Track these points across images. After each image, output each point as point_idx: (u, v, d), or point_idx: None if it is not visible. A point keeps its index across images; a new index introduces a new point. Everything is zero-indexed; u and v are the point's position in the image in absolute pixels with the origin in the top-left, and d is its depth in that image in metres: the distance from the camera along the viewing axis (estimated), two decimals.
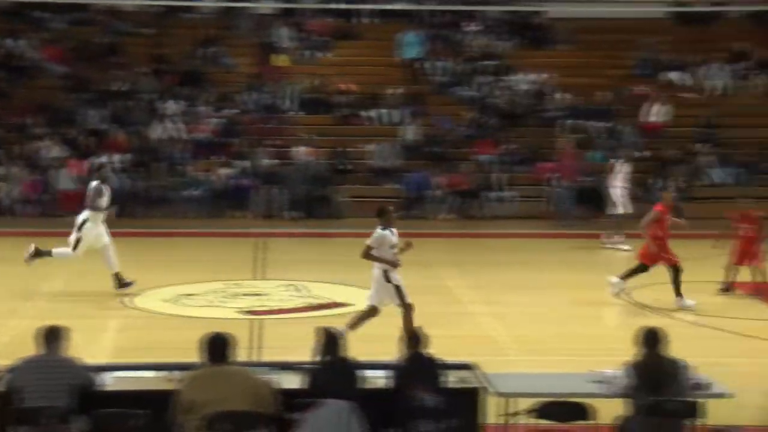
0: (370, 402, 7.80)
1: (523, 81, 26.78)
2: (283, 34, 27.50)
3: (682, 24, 29.18)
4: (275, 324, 13.55)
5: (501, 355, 12.01)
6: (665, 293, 14.54)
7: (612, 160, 21.06)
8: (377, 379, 8.30)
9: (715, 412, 8.18)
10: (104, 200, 15.01)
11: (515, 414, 8.27)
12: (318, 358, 8.12)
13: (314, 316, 13.65)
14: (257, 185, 23.48)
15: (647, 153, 24.62)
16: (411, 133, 25.10)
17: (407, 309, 11.61)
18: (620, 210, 19.97)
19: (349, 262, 15.93)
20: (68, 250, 14.98)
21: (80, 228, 14.91)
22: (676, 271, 14.30)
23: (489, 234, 22.18)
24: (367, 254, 11.61)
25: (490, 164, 24.37)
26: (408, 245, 11.75)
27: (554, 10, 28.10)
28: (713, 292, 15.38)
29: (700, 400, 8.00)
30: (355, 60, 27.53)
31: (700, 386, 8.23)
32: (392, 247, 11.65)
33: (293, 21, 27.88)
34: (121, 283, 15.05)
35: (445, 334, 12.33)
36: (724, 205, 23.25)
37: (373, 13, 28.38)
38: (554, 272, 17.37)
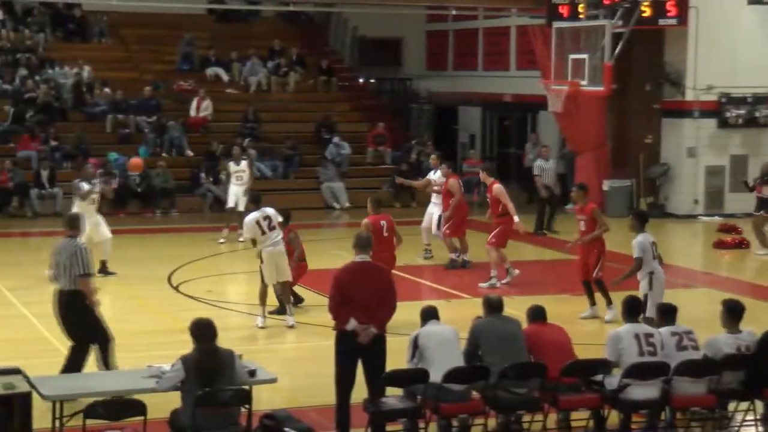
0: None
1: (64, 74, 26.11)
2: None
3: (221, 21, 29.96)
4: None
5: (56, 356, 11.66)
6: (217, 285, 14.83)
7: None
8: None
9: (260, 396, 8.51)
10: None
11: (65, 417, 8.11)
12: None
13: None
14: None
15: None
16: None
17: None
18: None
19: None
20: None
21: None
22: None
23: (33, 233, 21.46)
24: None
25: (33, 160, 23.52)
26: None
27: (92, 3, 27.62)
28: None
29: (248, 387, 8.30)
30: None
31: (253, 374, 8.53)
32: None
33: None
34: None
35: None
36: (268, 197, 24.32)
37: None
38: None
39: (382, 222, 13.39)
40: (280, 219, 13.17)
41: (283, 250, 13.01)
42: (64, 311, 10.03)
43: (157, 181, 23.68)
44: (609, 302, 13.34)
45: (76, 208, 15.40)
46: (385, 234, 13.26)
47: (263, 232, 12.89)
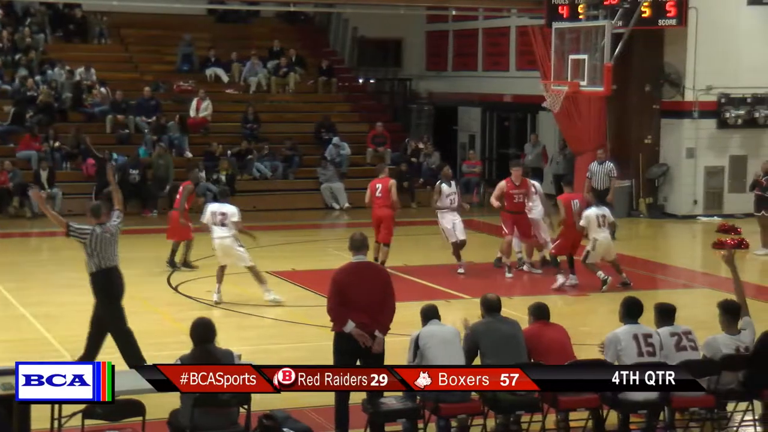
0: None
1: (64, 75, 26.11)
2: None
3: (221, 21, 29.97)
4: None
5: (55, 356, 11.67)
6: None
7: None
8: None
9: (259, 397, 8.50)
10: None
11: (64, 417, 8.10)
12: None
13: None
14: None
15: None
16: None
17: None
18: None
19: None
20: None
21: None
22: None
23: (33, 233, 21.45)
24: None
25: (32, 160, 23.52)
26: None
27: (92, 4, 27.62)
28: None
29: None
30: None
31: None
32: None
33: None
34: None
35: None
36: (268, 197, 24.40)
37: None
38: None
39: (378, 185, 16.19)
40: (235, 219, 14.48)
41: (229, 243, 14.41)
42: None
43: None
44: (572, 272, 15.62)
45: None
46: (378, 195, 16.15)
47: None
